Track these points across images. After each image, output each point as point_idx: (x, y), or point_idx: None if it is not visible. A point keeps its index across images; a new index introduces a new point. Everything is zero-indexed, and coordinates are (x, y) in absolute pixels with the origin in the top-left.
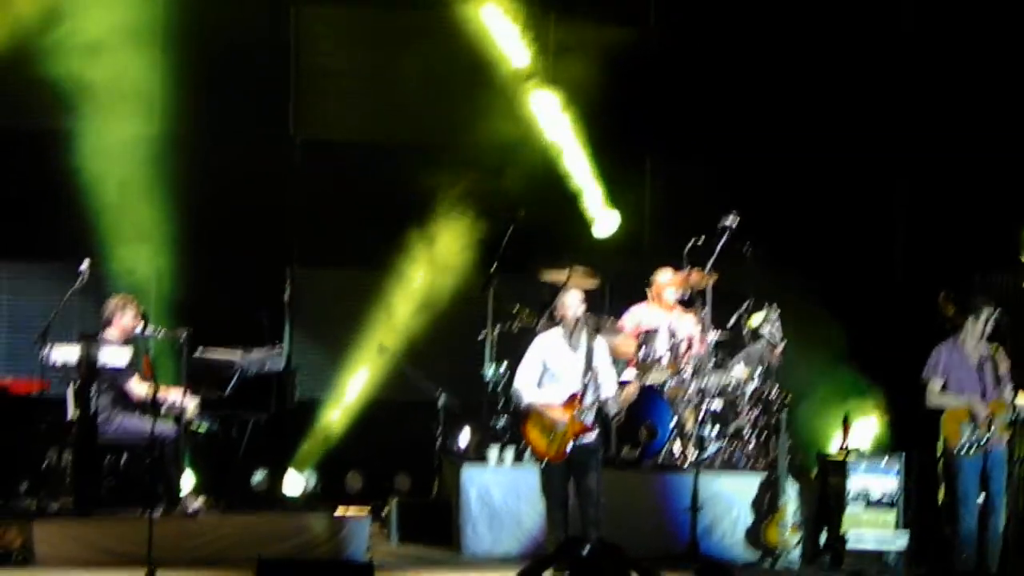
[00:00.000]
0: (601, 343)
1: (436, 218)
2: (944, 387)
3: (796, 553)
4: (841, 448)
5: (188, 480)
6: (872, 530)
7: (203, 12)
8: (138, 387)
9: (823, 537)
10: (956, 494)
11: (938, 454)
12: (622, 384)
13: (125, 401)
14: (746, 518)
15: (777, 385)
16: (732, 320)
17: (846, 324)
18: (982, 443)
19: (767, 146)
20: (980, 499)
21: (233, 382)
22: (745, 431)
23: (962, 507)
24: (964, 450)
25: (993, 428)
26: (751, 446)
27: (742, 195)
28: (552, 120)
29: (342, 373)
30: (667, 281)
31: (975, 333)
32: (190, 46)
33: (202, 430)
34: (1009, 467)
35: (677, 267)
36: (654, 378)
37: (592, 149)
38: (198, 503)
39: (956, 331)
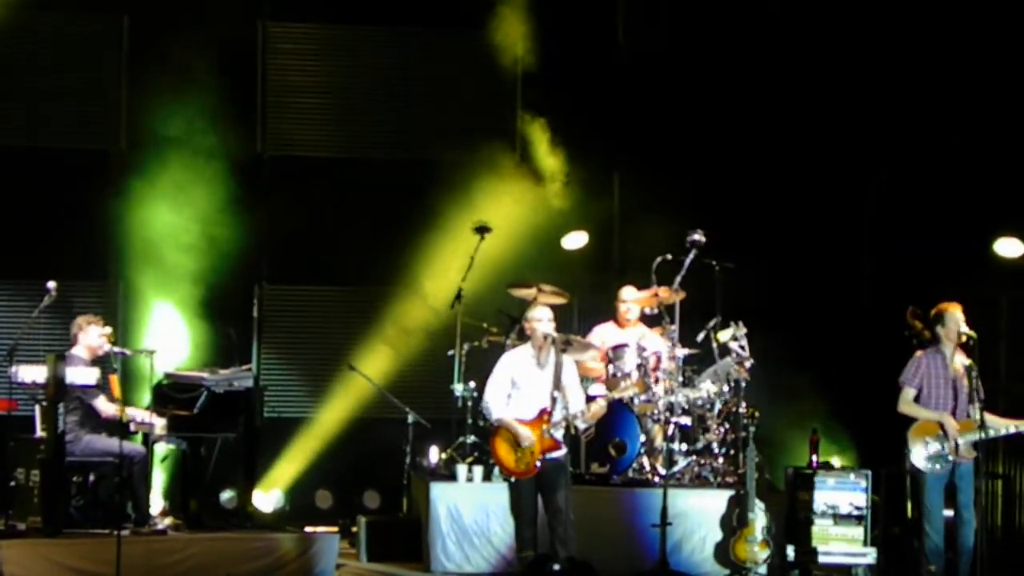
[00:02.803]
0: (569, 359)
1: (405, 235)
2: (918, 397)
3: (765, 568)
4: (809, 463)
5: (157, 499)
6: (840, 544)
7: (170, 28)
8: (106, 406)
9: (792, 552)
10: (921, 509)
11: (906, 467)
12: (591, 400)
13: (93, 420)
14: (715, 534)
15: (745, 401)
16: (700, 336)
17: (814, 339)
18: (947, 460)
19: (736, 161)
20: (949, 513)
21: (201, 401)
22: (714, 446)
23: (927, 522)
24: (930, 466)
25: (959, 446)
26: (720, 461)
27: (710, 211)
28: (521, 135)
29: (311, 391)
30: (631, 298)
31: (949, 338)
32: (157, 61)
33: (171, 448)
34: (977, 481)
35: (646, 284)
36: (623, 394)
37: (561, 164)
38: (167, 522)
39: (932, 343)
